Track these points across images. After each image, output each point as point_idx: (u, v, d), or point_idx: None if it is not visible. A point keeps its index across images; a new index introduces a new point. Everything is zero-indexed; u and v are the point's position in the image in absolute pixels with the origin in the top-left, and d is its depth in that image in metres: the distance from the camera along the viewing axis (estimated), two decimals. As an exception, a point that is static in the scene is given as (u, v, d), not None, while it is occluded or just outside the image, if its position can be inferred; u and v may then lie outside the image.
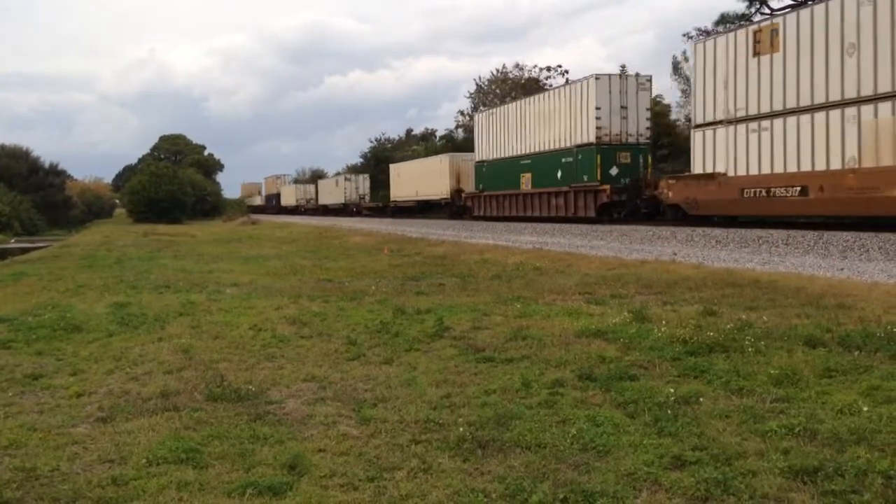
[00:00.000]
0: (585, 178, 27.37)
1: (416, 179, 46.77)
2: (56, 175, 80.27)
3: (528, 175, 31.87)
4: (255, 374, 6.48)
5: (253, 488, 3.93)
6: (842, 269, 11.83)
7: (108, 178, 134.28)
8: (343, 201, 64.84)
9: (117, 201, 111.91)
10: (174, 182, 68.74)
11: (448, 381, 6.03)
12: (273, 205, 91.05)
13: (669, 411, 4.91)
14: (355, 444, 4.62)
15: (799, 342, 6.60)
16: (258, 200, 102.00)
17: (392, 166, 53.50)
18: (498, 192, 34.77)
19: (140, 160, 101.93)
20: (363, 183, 65.25)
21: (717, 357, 6.29)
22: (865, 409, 4.72)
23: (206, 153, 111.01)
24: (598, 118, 26.79)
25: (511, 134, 33.51)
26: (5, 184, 64.54)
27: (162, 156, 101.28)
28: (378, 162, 70.00)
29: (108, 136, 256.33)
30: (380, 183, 63.39)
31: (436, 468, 4.17)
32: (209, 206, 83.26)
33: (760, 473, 3.88)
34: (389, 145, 76.53)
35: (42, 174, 76.11)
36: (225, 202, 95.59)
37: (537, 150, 31.10)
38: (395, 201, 51.06)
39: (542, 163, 30.76)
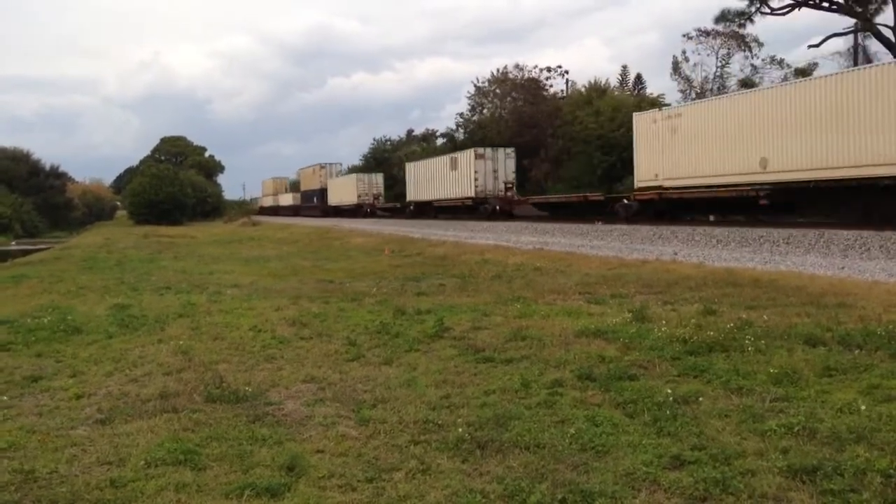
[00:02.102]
0: None
1: (750, 136, 20.60)
2: (57, 177, 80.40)
3: None
4: (255, 376, 6.47)
5: (251, 489, 3.92)
6: (842, 268, 11.82)
7: (110, 180, 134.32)
8: (471, 195, 37.54)
9: (118, 203, 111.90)
10: (175, 184, 68.90)
11: (447, 381, 6.03)
12: (314, 204, 67.30)
13: (668, 411, 4.90)
14: (354, 445, 4.61)
15: (799, 341, 6.59)
16: (289, 199, 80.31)
17: (643, 116, 25.86)
18: None
19: (141, 162, 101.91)
20: (506, 163, 37.79)
21: (716, 356, 6.28)
22: (864, 407, 4.71)
23: (206, 155, 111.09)
24: None
25: None
26: (6, 186, 64.67)
27: (163, 158, 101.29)
28: (378, 164, 65.78)
29: (110, 138, 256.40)
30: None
31: (434, 469, 4.16)
32: (210, 207, 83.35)
33: (759, 473, 3.87)
34: (390, 146, 75.90)
35: (43, 176, 76.22)
36: (225, 203, 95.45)
37: None
38: (661, 189, 24.04)
39: None
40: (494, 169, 37.44)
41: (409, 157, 57.16)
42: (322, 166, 68.56)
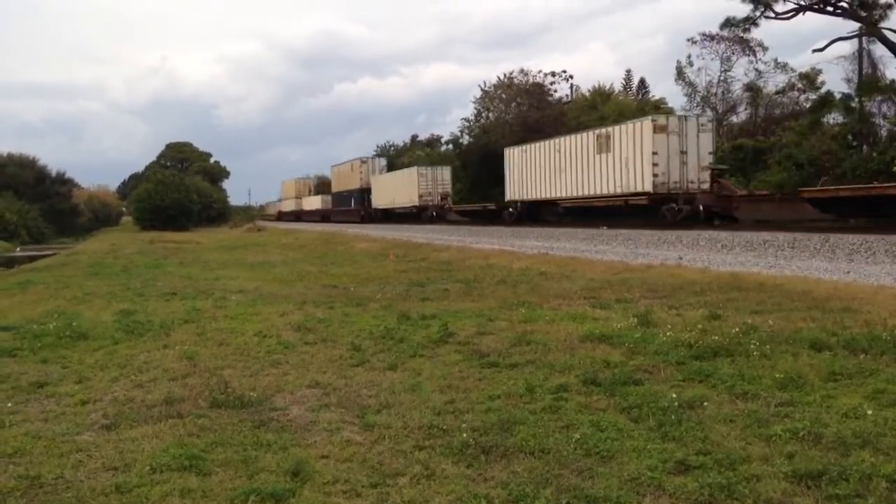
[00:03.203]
0: None
1: None
2: (63, 183, 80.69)
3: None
4: (260, 381, 6.48)
5: (256, 495, 3.93)
6: (848, 272, 11.79)
7: (116, 185, 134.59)
8: (644, 189, 24.28)
9: (124, 209, 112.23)
10: (180, 190, 68.90)
11: (452, 386, 6.03)
12: (352, 207, 55.77)
13: (673, 416, 4.89)
14: (358, 451, 4.62)
15: (804, 346, 6.58)
16: (315, 203, 69.69)
17: None
18: None
19: (147, 168, 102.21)
20: (699, 139, 24.12)
21: (721, 361, 6.27)
22: (870, 412, 4.70)
23: (212, 160, 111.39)
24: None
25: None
26: (12, 192, 64.87)
27: (168, 164, 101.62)
28: None
29: (116, 143, 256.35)
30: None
31: (439, 474, 4.16)
32: (215, 213, 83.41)
33: (765, 478, 3.86)
34: (394, 151, 75.76)
35: (49, 182, 76.49)
36: (231, 209, 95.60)
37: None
38: None
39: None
40: (682, 149, 23.62)
41: (416, 161, 55.06)
42: (363, 161, 56.37)
